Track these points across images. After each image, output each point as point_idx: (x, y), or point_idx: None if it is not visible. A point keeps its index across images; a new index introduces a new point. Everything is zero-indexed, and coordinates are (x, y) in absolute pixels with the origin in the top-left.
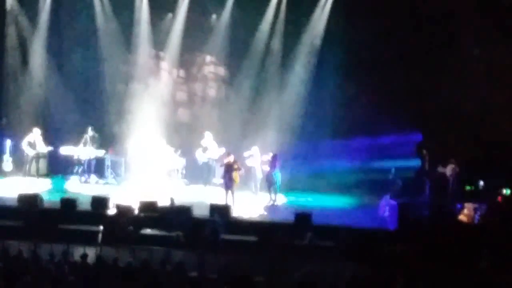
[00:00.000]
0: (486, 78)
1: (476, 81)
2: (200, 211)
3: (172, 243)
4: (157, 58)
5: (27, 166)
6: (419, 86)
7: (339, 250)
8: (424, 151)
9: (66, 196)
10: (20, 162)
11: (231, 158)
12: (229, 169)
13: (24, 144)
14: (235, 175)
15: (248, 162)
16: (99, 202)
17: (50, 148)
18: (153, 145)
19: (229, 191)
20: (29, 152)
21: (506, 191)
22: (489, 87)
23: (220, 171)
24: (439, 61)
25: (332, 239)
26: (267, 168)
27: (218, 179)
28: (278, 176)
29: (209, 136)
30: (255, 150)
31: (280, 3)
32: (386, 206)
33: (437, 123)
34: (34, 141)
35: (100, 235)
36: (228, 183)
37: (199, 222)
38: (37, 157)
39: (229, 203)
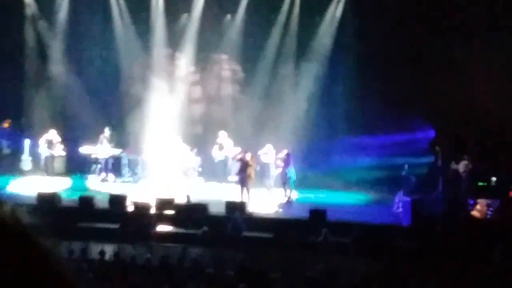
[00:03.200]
0: (499, 74)
1: (490, 77)
2: (216, 209)
3: (191, 240)
4: (173, 57)
5: (44, 165)
6: (432, 83)
7: (353, 246)
8: (438, 148)
9: (84, 194)
10: (38, 161)
11: (248, 156)
12: (245, 166)
13: (41, 143)
14: (251, 171)
15: (263, 160)
16: (117, 200)
17: (63, 152)
18: (170, 144)
19: (245, 188)
20: (44, 151)
21: None
22: (503, 83)
23: (235, 168)
24: (452, 58)
25: (347, 235)
26: (281, 165)
27: (234, 176)
28: (292, 173)
29: (224, 134)
30: (269, 147)
31: (293, 3)
32: (399, 202)
33: (450, 120)
34: (52, 140)
35: (118, 233)
36: (244, 179)
37: (217, 219)
38: (52, 156)
39: (244, 199)
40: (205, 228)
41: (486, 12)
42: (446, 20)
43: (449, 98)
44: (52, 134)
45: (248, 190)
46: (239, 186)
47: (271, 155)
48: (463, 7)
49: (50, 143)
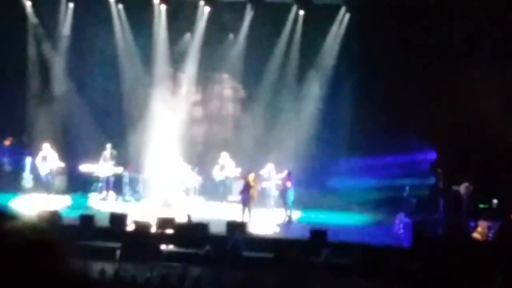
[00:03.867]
0: (501, 96)
1: (491, 99)
2: (217, 228)
3: (192, 259)
4: (175, 77)
5: (45, 183)
6: (433, 105)
7: (354, 267)
8: (439, 170)
9: (85, 212)
10: (40, 179)
11: (251, 176)
12: (247, 186)
13: (38, 161)
14: (253, 192)
15: (264, 185)
16: (118, 219)
17: (62, 164)
18: (171, 163)
19: (246, 208)
20: (42, 168)
21: None
22: (504, 105)
23: (237, 188)
24: (454, 80)
25: (348, 256)
26: (283, 184)
27: (235, 196)
28: (292, 193)
29: (226, 155)
30: (270, 167)
31: (296, 23)
32: (400, 224)
33: (452, 142)
34: (46, 156)
35: (118, 252)
36: (246, 199)
37: (217, 239)
38: (52, 173)
39: (246, 219)
40: (207, 247)
41: (487, 34)
42: (448, 42)
43: (450, 120)
44: (46, 149)
45: (250, 210)
46: (241, 206)
47: (272, 175)
48: (465, 29)
49: (45, 158)
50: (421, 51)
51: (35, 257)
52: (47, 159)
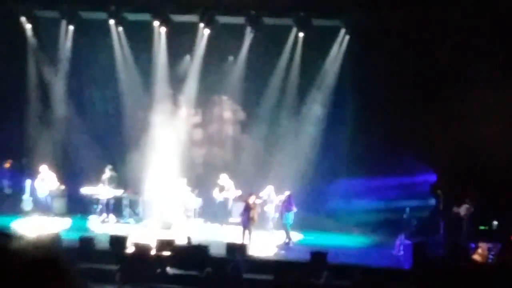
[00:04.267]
0: (501, 117)
1: (491, 120)
2: (217, 250)
3: (191, 281)
4: (175, 98)
5: (43, 205)
6: (433, 127)
7: None
8: (439, 191)
9: (84, 235)
10: (39, 201)
11: (252, 198)
12: (248, 208)
13: (36, 184)
14: (254, 214)
15: (263, 202)
16: (117, 241)
17: (61, 186)
18: (171, 185)
19: (247, 230)
20: (40, 190)
21: None
22: (504, 126)
23: (237, 209)
24: (454, 101)
25: (348, 278)
26: (281, 206)
27: (235, 218)
28: (292, 215)
29: (225, 177)
30: (270, 189)
31: (296, 45)
32: (401, 245)
33: (452, 164)
34: (44, 178)
35: (118, 274)
36: (246, 221)
37: (217, 261)
38: (51, 195)
39: (246, 241)
40: (208, 269)
41: (486, 54)
42: (447, 63)
43: (450, 141)
44: (44, 171)
45: (250, 232)
46: (241, 228)
47: (272, 197)
48: (464, 50)
49: (43, 180)
50: (421, 74)
51: (42, 274)
52: (45, 181)
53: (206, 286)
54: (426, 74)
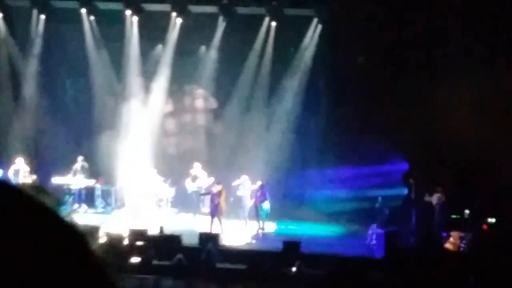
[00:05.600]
0: (472, 107)
1: (462, 110)
2: (190, 240)
3: (164, 271)
4: (147, 88)
5: None
6: (405, 115)
7: (327, 278)
8: (411, 180)
9: None
10: None
11: (219, 187)
12: (214, 197)
13: (9, 175)
14: (221, 202)
15: (238, 193)
16: (89, 231)
17: (34, 177)
18: (143, 175)
19: (215, 219)
20: (13, 182)
21: (491, 220)
22: (476, 116)
23: (208, 199)
24: (425, 91)
25: (320, 267)
26: (255, 196)
27: (207, 207)
28: (266, 204)
29: (198, 166)
30: (244, 178)
31: (268, 34)
32: (373, 235)
33: (424, 152)
34: (18, 170)
35: None
36: (214, 210)
37: (190, 250)
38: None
39: (216, 230)
40: (179, 256)
41: (458, 44)
42: (418, 54)
43: (422, 130)
44: (19, 163)
45: (219, 220)
46: (209, 217)
47: (246, 187)
48: (435, 40)
49: (17, 172)
50: (393, 62)
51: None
52: (19, 173)
53: (179, 275)
54: (398, 66)
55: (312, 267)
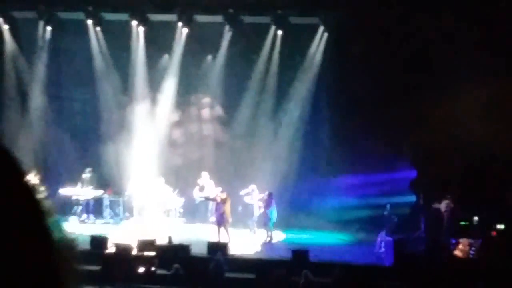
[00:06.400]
0: (481, 114)
1: (471, 117)
2: (198, 249)
3: (170, 280)
4: (154, 98)
5: None
6: (413, 123)
7: (335, 287)
8: (420, 188)
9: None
10: None
11: (223, 195)
12: (218, 206)
13: None
14: (225, 211)
15: (246, 200)
16: (98, 242)
17: (43, 188)
18: (151, 185)
19: (221, 228)
20: None
21: (500, 226)
22: (485, 123)
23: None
24: (434, 98)
25: (329, 275)
26: (263, 205)
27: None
28: (274, 213)
29: (206, 175)
30: (252, 188)
31: (274, 43)
32: (382, 242)
33: (432, 160)
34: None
35: (99, 275)
36: (219, 219)
37: (199, 260)
38: None
39: (223, 239)
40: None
41: (468, 50)
42: (427, 60)
43: (430, 138)
44: (30, 176)
45: (226, 229)
46: (215, 226)
47: (254, 196)
48: (443, 46)
49: None
50: (401, 70)
51: None
52: None
53: (187, 285)
54: (407, 73)
55: (321, 276)
